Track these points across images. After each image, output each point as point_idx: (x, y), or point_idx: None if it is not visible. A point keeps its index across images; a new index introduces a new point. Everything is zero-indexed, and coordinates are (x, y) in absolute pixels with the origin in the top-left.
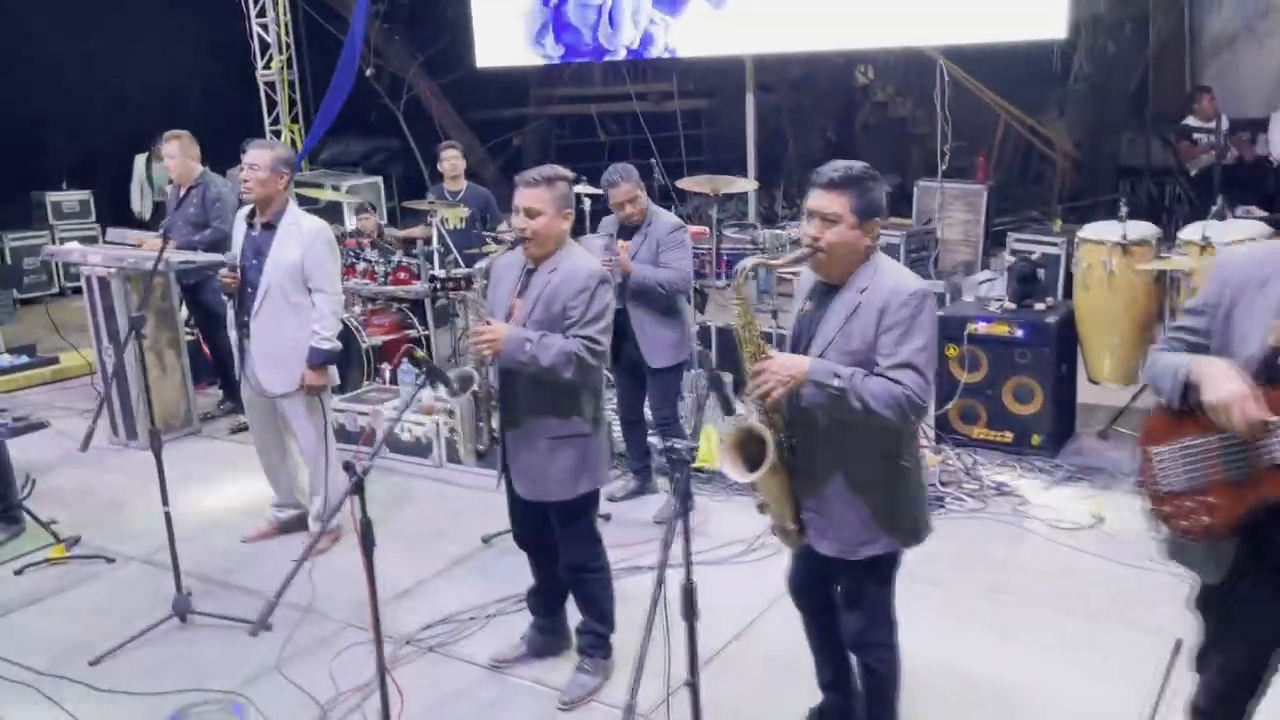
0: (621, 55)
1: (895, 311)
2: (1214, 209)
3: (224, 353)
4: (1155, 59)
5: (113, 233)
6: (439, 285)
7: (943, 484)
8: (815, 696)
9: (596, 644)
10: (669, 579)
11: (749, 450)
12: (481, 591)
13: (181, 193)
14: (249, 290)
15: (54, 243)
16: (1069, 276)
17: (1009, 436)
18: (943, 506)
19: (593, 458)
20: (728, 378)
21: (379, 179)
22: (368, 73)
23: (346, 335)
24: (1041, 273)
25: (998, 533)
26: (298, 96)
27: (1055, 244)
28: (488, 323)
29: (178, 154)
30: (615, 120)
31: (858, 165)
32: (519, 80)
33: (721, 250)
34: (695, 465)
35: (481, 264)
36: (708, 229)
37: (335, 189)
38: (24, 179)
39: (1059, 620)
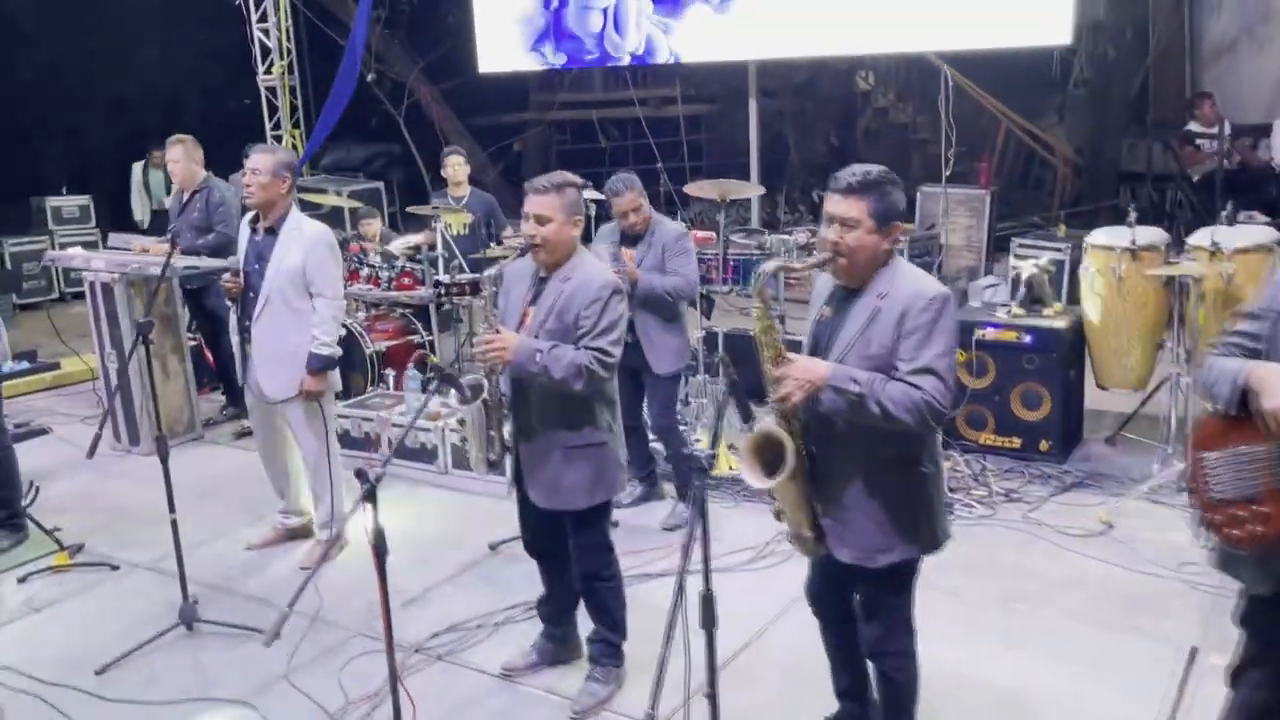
0: (626, 61)
1: (916, 316)
2: (1223, 214)
3: (227, 358)
4: (1155, 64)
5: (114, 238)
6: (444, 291)
7: (951, 490)
8: (830, 705)
9: (608, 652)
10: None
11: (767, 455)
12: (490, 599)
13: (185, 198)
14: (251, 295)
15: (53, 248)
16: (1073, 282)
17: (1017, 442)
18: (951, 513)
19: (608, 467)
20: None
21: (380, 184)
22: (369, 78)
23: (350, 341)
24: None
25: (1007, 539)
26: (299, 102)
27: (1059, 249)
28: (498, 331)
29: (181, 158)
30: (616, 125)
31: (876, 169)
32: (520, 85)
33: (728, 256)
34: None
35: (491, 271)
36: (715, 234)
37: (338, 194)
38: (23, 184)
39: (1073, 628)
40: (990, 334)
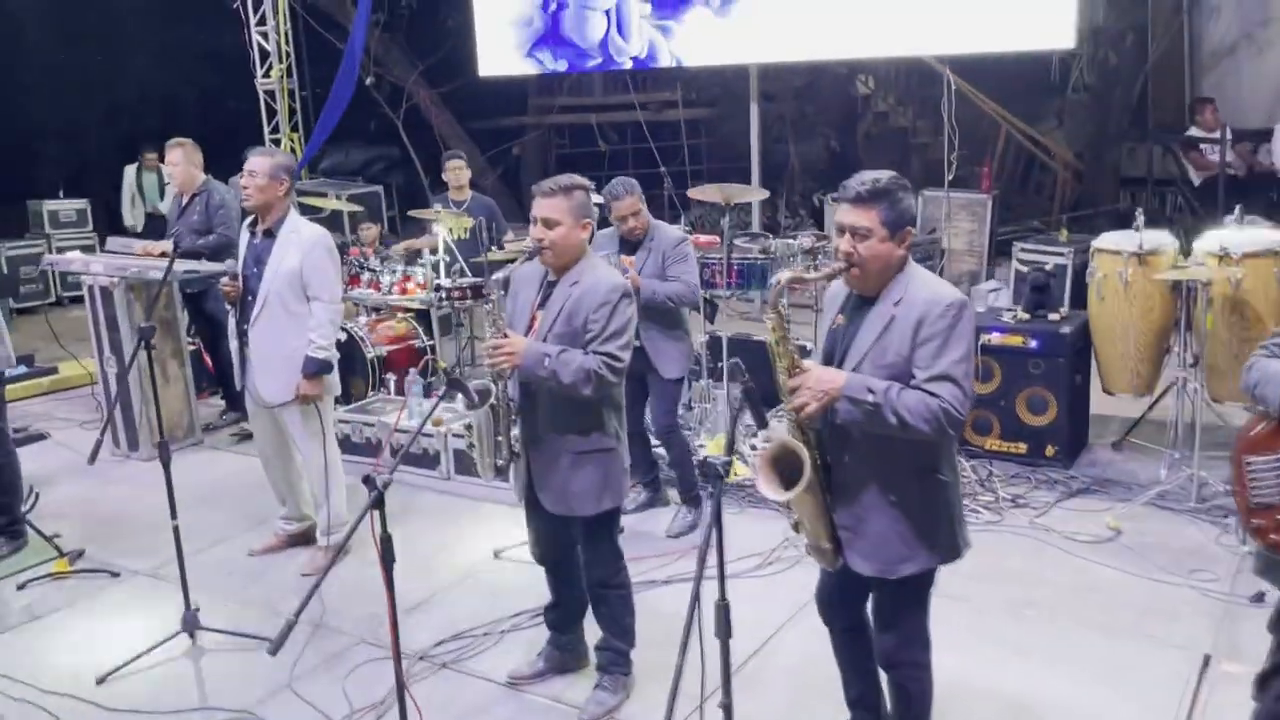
0: (628, 65)
1: (933, 323)
2: (1231, 218)
3: (225, 362)
4: (1155, 69)
5: (113, 241)
6: (445, 295)
7: None
8: (841, 714)
9: (616, 661)
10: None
11: (783, 467)
12: (495, 606)
13: (184, 201)
14: (249, 299)
15: (50, 251)
16: (1075, 286)
17: (1023, 448)
18: None
19: (615, 473)
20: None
21: (379, 188)
22: (367, 81)
23: (351, 345)
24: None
25: (1016, 546)
26: (297, 105)
27: (1062, 254)
28: (505, 335)
29: (181, 161)
30: (615, 129)
31: (885, 176)
32: (519, 89)
33: (732, 260)
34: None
35: (499, 274)
36: (718, 238)
37: (337, 198)
38: (20, 188)
39: (1084, 636)
40: (996, 338)
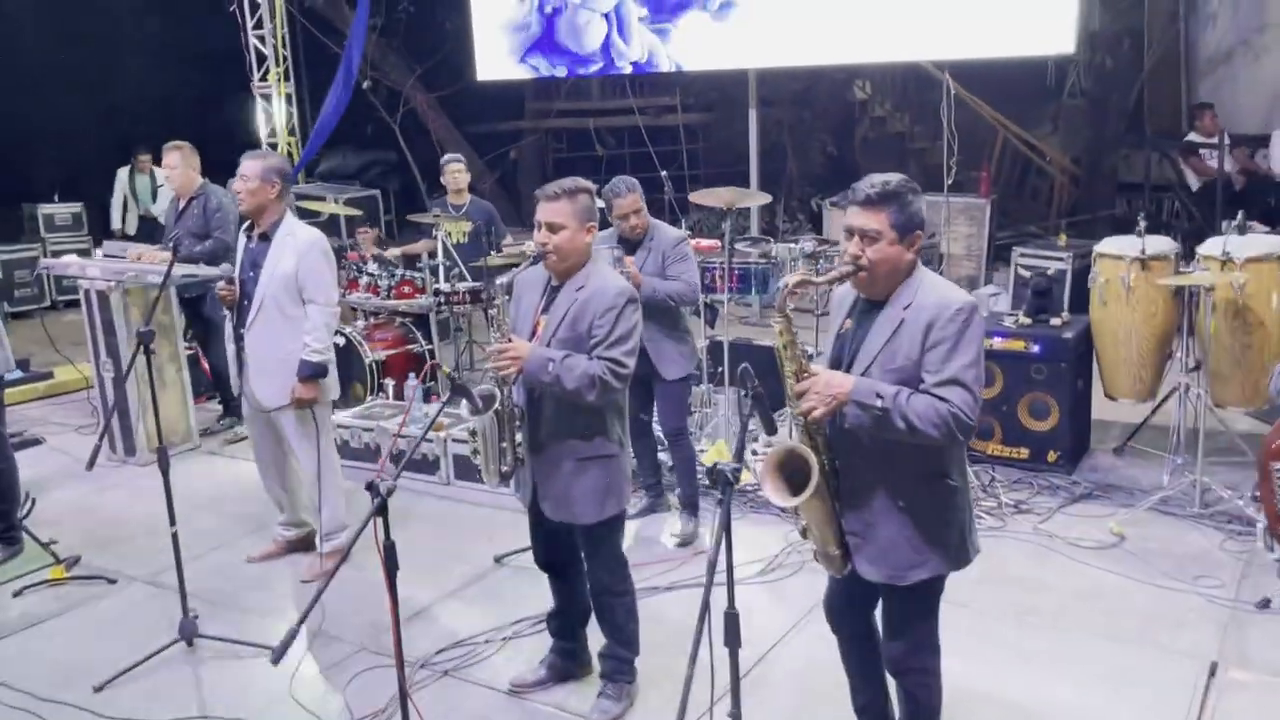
0: (628, 69)
1: (943, 327)
2: (1234, 223)
3: (221, 367)
4: (1151, 75)
5: (109, 245)
6: (444, 300)
7: None
8: None
9: (620, 669)
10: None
11: (790, 472)
12: (496, 613)
13: (181, 204)
14: (246, 303)
15: (45, 255)
16: (1074, 291)
17: (1024, 453)
18: None
19: (617, 480)
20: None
21: (376, 192)
22: (364, 85)
23: (349, 350)
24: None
25: (1019, 552)
26: (294, 109)
27: (1061, 259)
28: (509, 340)
29: (179, 165)
30: (613, 134)
31: (895, 179)
32: (516, 93)
33: (733, 265)
34: (710, 484)
35: (503, 279)
36: (719, 243)
37: (335, 202)
38: (14, 191)
39: (1090, 643)
40: (997, 343)
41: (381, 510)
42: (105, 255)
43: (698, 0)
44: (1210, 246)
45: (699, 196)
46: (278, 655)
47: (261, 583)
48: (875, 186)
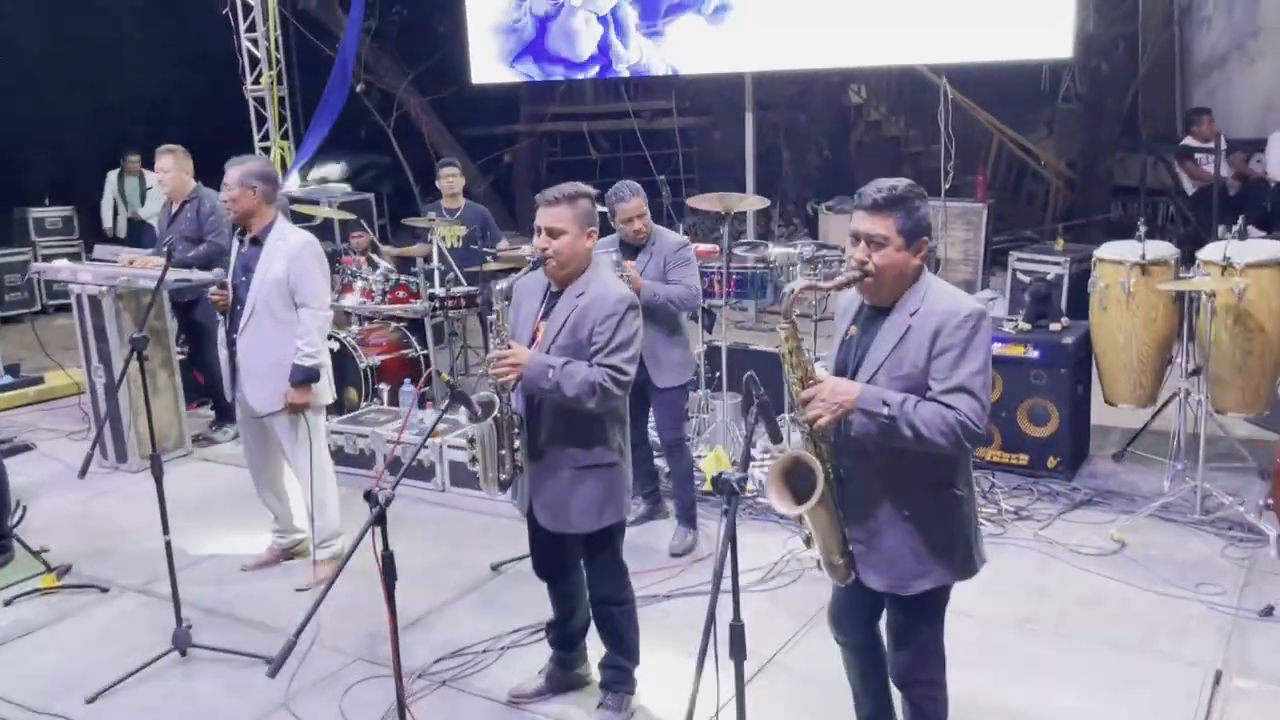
0: (625, 73)
1: (950, 334)
2: (1235, 228)
3: (214, 372)
4: (1146, 79)
5: (100, 249)
6: (439, 304)
7: None
8: None
9: (620, 679)
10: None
11: (795, 481)
12: (494, 622)
13: (174, 208)
14: (238, 307)
15: (36, 259)
16: (1072, 296)
17: (1024, 459)
18: None
19: (617, 488)
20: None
21: (370, 196)
22: (358, 89)
23: (343, 355)
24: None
25: (1020, 559)
26: (287, 112)
27: (1059, 263)
28: (509, 346)
29: (172, 168)
30: (607, 137)
31: (902, 184)
32: (510, 97)
33: (731, 269)
34: (705, 489)
35: (502, 285)
36: (718, 247)
37: (329, 205)
38: (5, 195)
39: (1093, 651)
40: (997, 348)
41: (380, 520)
42: (96, 260)
43: (692, 4)
44: (1211, 251)
45: (697, 201)
46: (275, 668)
47: (256, 591)
48: (882, 191)
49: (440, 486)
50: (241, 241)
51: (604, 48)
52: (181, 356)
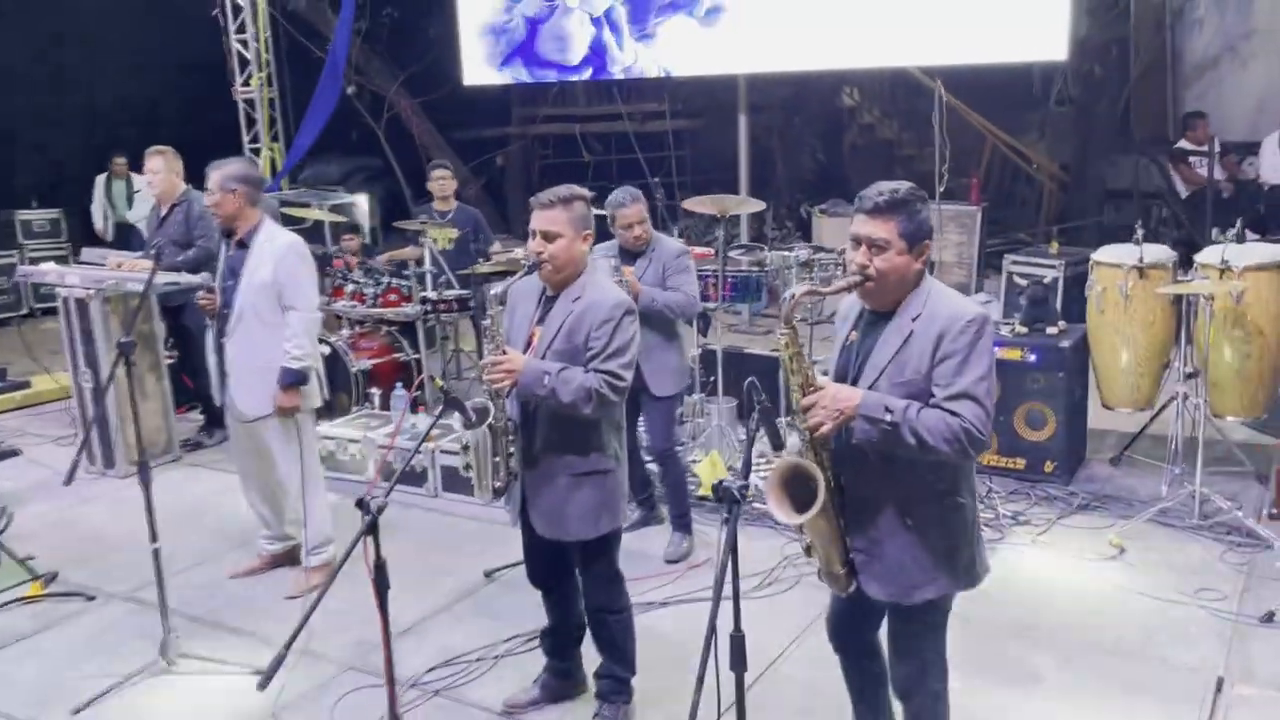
0: (620, 74)
1: (953, 339)
2: (1232, 231)
3: (203, 376)
4: (1138, 82)
5: (88, 252)
6: (431, 307)
7: None
8: None
9: (617, 688)
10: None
11: (795, 489)
12: (488, 630)
13: (164, 211)
14: (226, 311)
15: (23, 262)
16: (1066, 299)
17: (1021, 463)
18: None
19: (614, 496)
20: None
21: (363, 198)
22: (349, 91)
23: (334, 359)
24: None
25: (1019, 564)
26: (277, 114)
27: (1054, 266)
28: (504, 351)
29: (162, 170)
30: (599, 140)
31: (904, 187)
32: (502, 99)
33: (726, 273)
34: (700, 494)
35: (497, 289)
36: (713, 251)
37: (320, 208)
38: None
39: (1094, 658)
40: (994, 352)
41: (372, 529)
42: (84, 263)
43: (684, 5)
44: (1209, 255)
45: (692, 203)
46: (265, 681)
47: (245, 600)
48: (883, 195)
49: (433, 492)
50: (229, 244)
51: (598, 49)
52: (170, 361)
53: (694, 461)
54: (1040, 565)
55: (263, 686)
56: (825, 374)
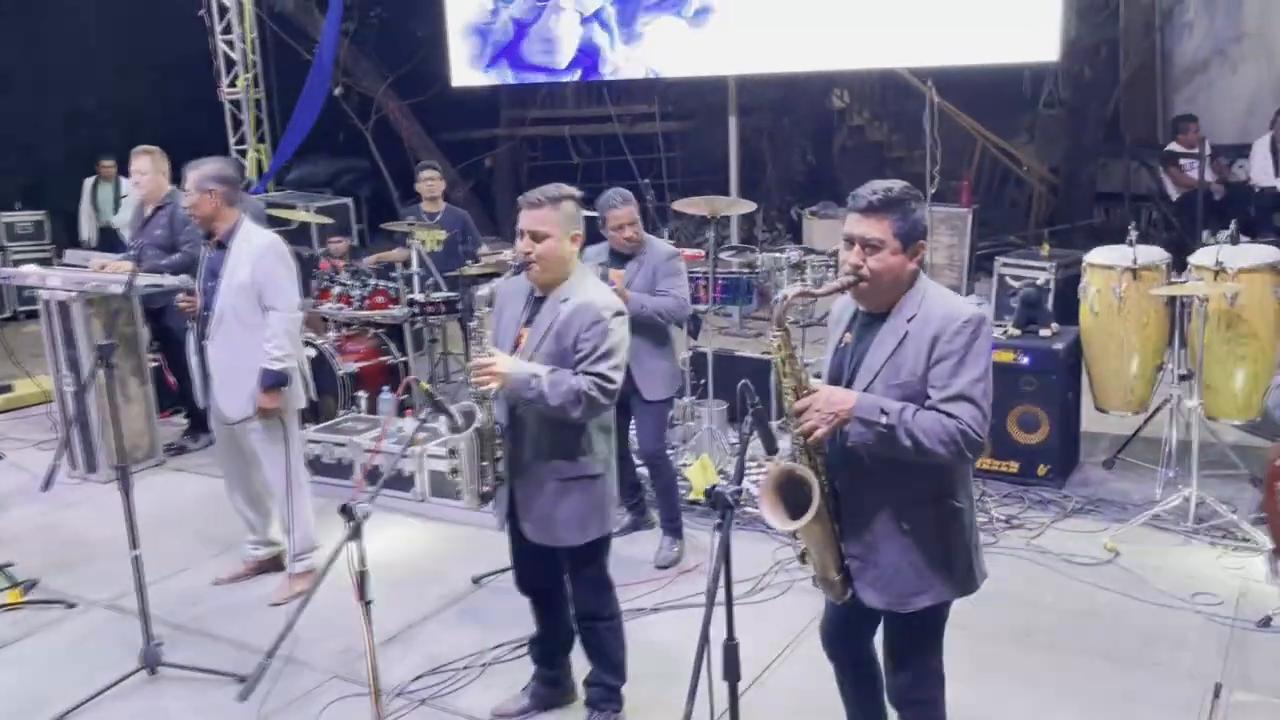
0: (611, 75)
1: (949, 340)
2: (1227, 233)
3: (187, 379)
4: (1128, 84)
5: (71, 254)
6: (419, 310)
7: None
8: None
9: (607, 697)
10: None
11: (789, 495)
12: (475, 637)
13: (148, 212)
14: (207, 313)
15: (6, 264)
16: (1057, 301)
17: (1014, 467)
18: None
19: (603, 501)
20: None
21: (348, 200)
22: (336, 92)
23: (320, 362)
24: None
25: (1013, 569)
26: (264, 115)
27: (1045, 268)
28: (491, 354)
29: (149, 170)
30: (588, 142)
31: (898, 185)
32: (490, 101)
33: (717, 275)
34: (691, 498)
35: (484, 290)
36: (704, 253)
37: (306, 209)
38: None
39: (1090, 665)
40: (992, 353)
41: (356, 535)
42: (67, 265)
43: (672, 6)
44: (1203, 256)
45: (682, 204)
46: (246, 692)
47: (229, 607)
48: (877, 193)
49: (420, 496)
50: (208, 245)
51: (588, 51)
52: (155, 364)
53: (684, 465)
54: (1034, 570)
55: (243, 697)
56: (818, 377)
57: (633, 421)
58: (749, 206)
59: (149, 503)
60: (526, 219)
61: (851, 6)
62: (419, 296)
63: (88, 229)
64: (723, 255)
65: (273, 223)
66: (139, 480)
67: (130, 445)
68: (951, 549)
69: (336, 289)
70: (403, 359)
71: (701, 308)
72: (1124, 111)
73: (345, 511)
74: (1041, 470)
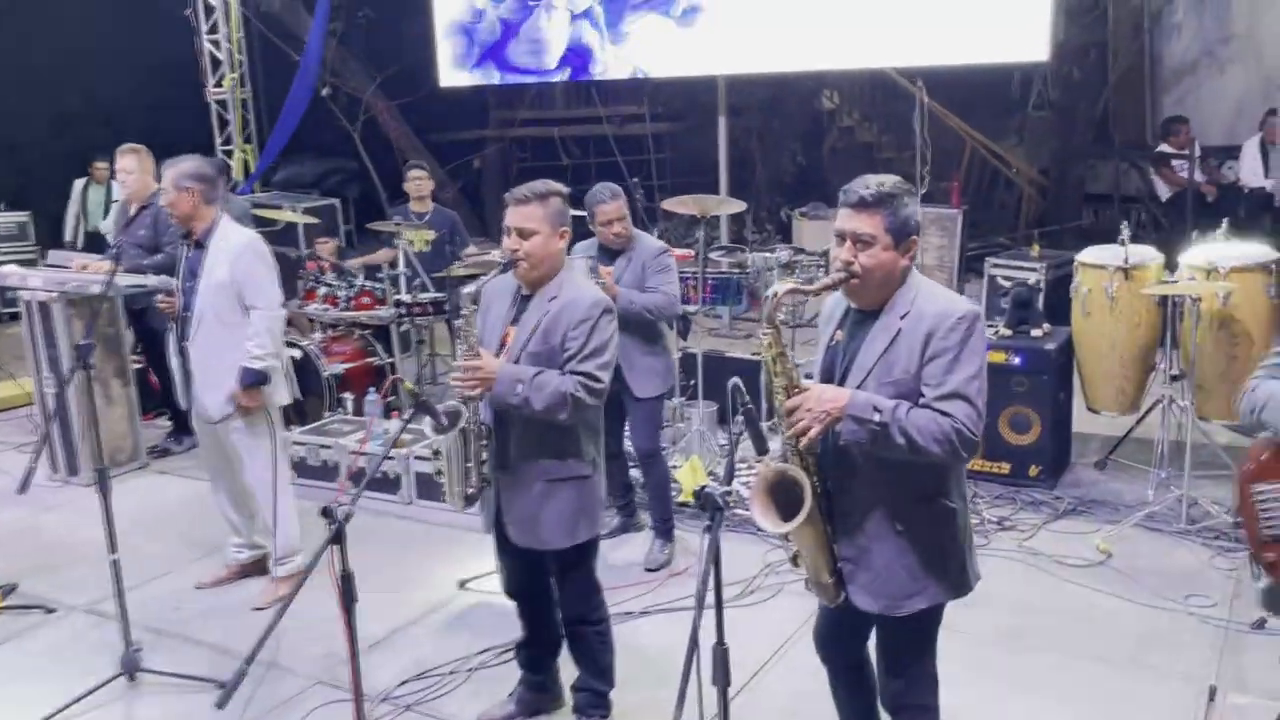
0: (601, 75)
1: (944, 337)
2: (1220, 233)
3: (169, 380)
4: (1116, 86)
5: (54, 254)
6: (405, 311)
7: None
8: None
9: (594, 702)
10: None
11: (781, 496)
12: (461, 642)
13: (132, 211)
14: (187, 314)
15: None
16: (1048, 302)
17: (1005, 468)
18: None
19: (590, 502)
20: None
21: (335, 201)
22: (324, 93)
23: (305, 364)
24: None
25: (1005, 571)
26: (250, 116)
27: (1035, 269)
28: (477, 354)
29: (135, 169)
30: (578, 143)
31: (890, 180)
32: (479, 102)
33: (707, 275)
34: (681, 500)
35: (470, 289)
36: (693, 252)
37: (293, 210)
38: None
39: (1084, 667)
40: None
41: (338, 538)
42: (50, 265)
43: (659, 5)
44: (1195, 256)
45: (673, 204)
46: (225, 697)
47: (211, 611)
48: (869, 188)
49: (406, 499)
50: (188, 245)
51: (578, 51)
52: (138, 365)
53: (674, 467)
54: (1027, 571)
55: (221, 704)
56: (809, 377)
57: (626, 420)
58: (739, 206)
59: (132, 506)
60: (513, 215)
61: (841, 6)
62: (406, 297)
63: (72, 232)
64: (712, 255)
65: (259, 223)
66: (122, 483)
67: (113, 447)
68: (946, 550)
69: (322, 289)
70: (389, 360)
71: (691, 308)
72: (1113, 113)
73: (326, 513)
74: (1033, 471)
